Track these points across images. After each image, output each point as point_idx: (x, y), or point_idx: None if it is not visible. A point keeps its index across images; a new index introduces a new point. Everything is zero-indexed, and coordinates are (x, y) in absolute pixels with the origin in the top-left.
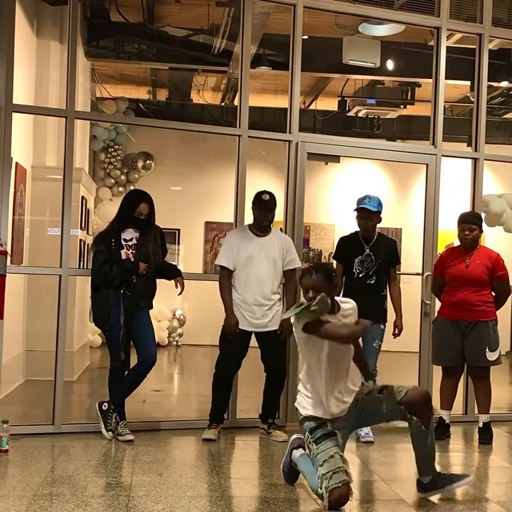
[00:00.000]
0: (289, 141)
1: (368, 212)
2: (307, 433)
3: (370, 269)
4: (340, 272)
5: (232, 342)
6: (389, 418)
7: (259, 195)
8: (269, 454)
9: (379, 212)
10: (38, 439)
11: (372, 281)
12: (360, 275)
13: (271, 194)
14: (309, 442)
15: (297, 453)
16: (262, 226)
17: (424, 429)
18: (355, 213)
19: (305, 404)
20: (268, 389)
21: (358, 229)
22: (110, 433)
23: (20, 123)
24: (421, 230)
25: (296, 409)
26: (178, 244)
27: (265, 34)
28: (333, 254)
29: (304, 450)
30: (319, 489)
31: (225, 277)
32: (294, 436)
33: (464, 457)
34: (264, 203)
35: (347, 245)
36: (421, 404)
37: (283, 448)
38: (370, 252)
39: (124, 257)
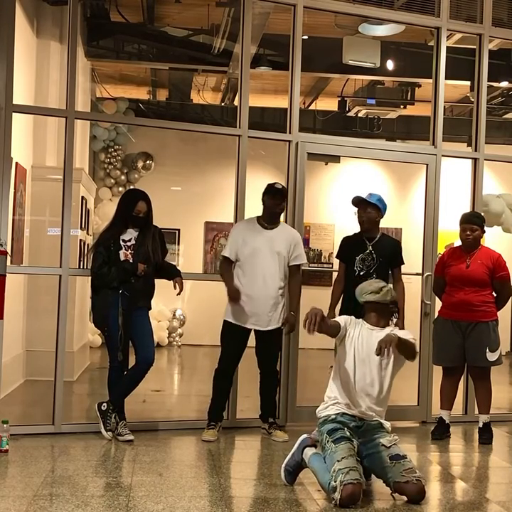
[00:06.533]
0: (289, 141)
1: (363, 204)
2: (325, 434)
3: (370, 267)
4: (342, 271)
5: (232, 339)
6: (376, 473)
7: (271, 184)
8: (269, 454)
9: (376, 207)
10: (38, 439)
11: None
12: (361, 273)
13: (283, 185)
14: (327, 441)
15: (310, 451)
16: (272, 216)
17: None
18: (357, 212)
19: (325, 406)
20: (263, 388)
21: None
22: (110, 433)
23: (20, 123)
24: (421, 230)
25: (318, 414)
26: (178, 244)
27: (265, 34)
28: (335, 254)
29: (316, 449)
30: (333, 482)
31: (225, 266)
32: (304, 435)
33: (464, 457)
34: (276, 190)
35: (350, 244)
36: (409, 500)
37: (283, 448)
38: (371, 250)
39: (122, 257)
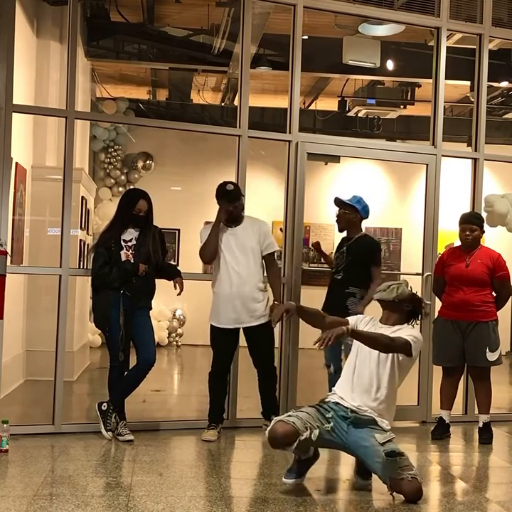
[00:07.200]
0: (289, 141)
1: (341, 205)
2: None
3: (340, 265)
4: None
5: (219, 341)
6: (371, 468)
7: (222, 186)
8: (269, 454)
9: (354, 208)
10: (38, 439)
11: (339, 277)
12: (333, 270)
13: (235, 184)
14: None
15: None
16: (229, 218)
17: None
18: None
19: (328, 394)
20: (262, 387)
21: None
22: (110, 433)
23: (20, 123)
24: (421, 230)
25: None
26: (178, 244)
27: (265, 34)
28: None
29: None
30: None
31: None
32: None
33: (464, 457)
34: (228, 193)
35: (339, 244)
36: (406, 499)
37: None
38: (345, 249)
39: (123, 257)
